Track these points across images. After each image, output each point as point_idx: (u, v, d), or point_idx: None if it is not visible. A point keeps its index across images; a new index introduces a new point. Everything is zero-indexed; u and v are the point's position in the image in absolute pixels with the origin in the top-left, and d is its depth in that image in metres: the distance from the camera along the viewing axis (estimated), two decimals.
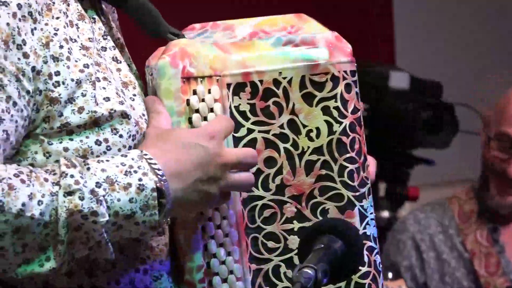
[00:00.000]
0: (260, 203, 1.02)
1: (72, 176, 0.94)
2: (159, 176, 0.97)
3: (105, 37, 1.04)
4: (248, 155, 1.03)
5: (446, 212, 2.32)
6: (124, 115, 1.00)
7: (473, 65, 3.70)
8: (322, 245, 0.94)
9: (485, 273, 2.24)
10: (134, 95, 1.03)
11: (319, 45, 1.02)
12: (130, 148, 1.00)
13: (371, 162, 1.07)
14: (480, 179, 2.30)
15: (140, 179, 0.96)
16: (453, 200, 2.33)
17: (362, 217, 1.01)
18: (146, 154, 0.97)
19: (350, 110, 1.01)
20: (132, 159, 0.97)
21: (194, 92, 1.00)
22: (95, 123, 0.99)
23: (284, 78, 1.01)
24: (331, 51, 1.01)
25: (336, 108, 1.01)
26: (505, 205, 2.21)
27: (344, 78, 1.01)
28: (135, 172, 0.96)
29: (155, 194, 0.96)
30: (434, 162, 2.68)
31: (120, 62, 1.05)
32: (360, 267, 0.98)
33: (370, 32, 3.73)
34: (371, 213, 1.03)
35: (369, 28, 3.73)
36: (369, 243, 1.01)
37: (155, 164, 0.98)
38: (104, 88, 1.01)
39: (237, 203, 1.01)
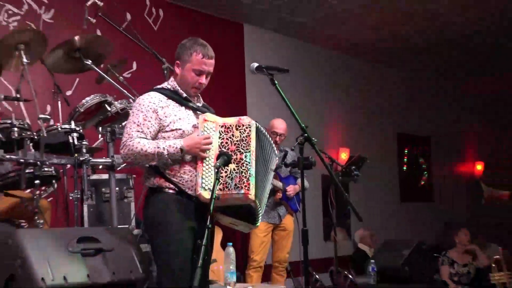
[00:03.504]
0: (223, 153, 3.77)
1: (160, 142, 3.73)
2: (182, 145, 3.70)
3: (188, 110, 3.97)
4: (207, 138, 3.72)
5: None
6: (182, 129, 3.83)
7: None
8: (222, 156, 3.59)
9: None
10: (190, 124, 3.91)
11: (242, 117, 3.89)
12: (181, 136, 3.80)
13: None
14: None
15: (177, 146, 3.71)
16: None
17: (247, 161, 3.81)
18: (181, 140, 3.73)
19: (246, 133, 3.84)
20: (177, 142, 3.73)
21: (207, 124, 3.84)
22: (172, 130, 3.81)
23: (231, 125, 3.86)
24: (242, 119, 3.86)
25: (244, 131, 3.81)
26: None
27: (247, 126, 3.86)
28: (176, 143, 3.72)
29: (179, 149, 3.71)
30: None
31: (191, 116, 3.92)
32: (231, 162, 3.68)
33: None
34: (247, 156, 3.78)
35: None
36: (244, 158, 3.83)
37: (182, 143, 3.71)
38: (177, 121, 3.82)
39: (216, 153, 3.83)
